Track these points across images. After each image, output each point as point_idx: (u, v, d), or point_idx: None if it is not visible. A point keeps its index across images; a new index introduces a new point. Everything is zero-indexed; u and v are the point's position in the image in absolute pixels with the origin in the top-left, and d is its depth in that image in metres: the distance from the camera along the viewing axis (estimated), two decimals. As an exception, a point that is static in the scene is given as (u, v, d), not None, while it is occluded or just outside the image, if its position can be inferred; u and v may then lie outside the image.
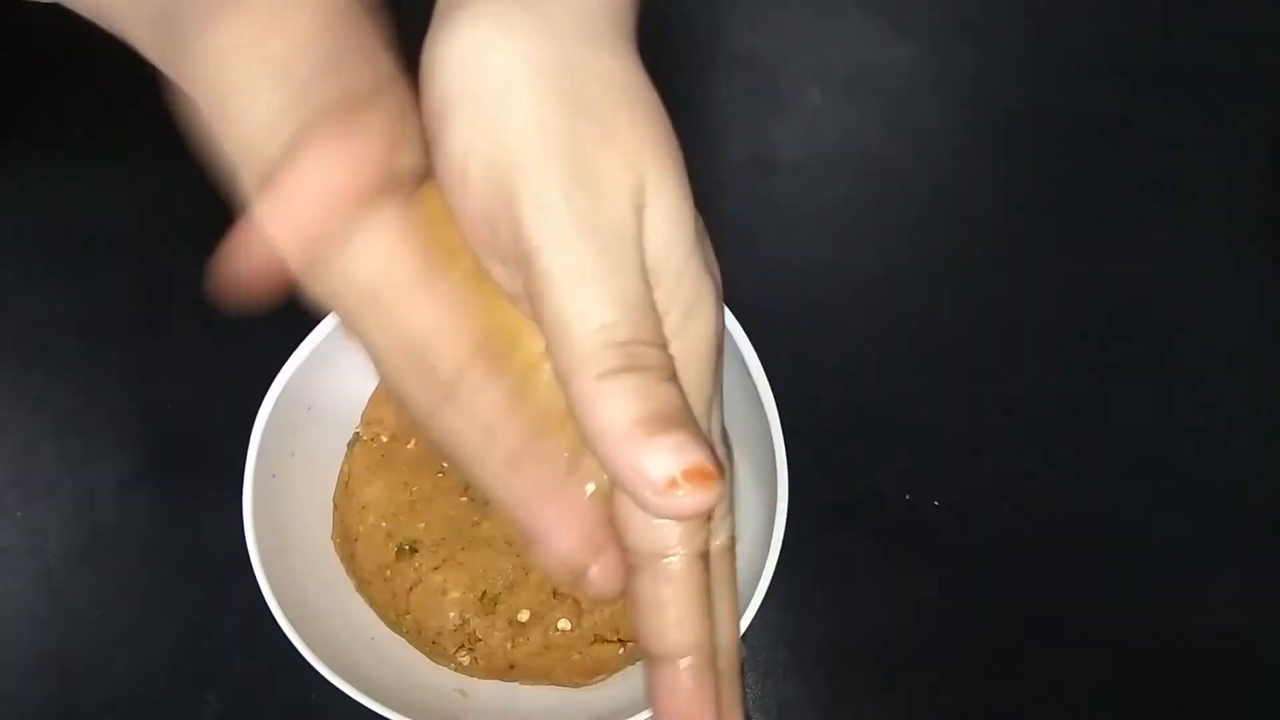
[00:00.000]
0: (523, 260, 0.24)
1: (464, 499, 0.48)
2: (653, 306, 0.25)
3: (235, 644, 0.50)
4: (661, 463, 0.23)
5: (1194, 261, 0.56)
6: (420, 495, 0.48)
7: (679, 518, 0.24)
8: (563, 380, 0.24)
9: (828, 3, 0.60)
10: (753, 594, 0.43)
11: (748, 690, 0.50)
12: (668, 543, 0.25)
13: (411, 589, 0.47)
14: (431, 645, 0.47)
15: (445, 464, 0.49)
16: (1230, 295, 0.55)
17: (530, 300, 0.24)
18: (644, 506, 0.23)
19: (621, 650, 0.47)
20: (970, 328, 0.54)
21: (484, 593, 0.47)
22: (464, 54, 0.24)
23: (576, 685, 0.47)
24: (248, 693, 0.50)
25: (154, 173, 0.53)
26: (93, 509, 0.52)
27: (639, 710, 0.43)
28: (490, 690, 0.47)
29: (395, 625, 0.47)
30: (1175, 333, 0.55)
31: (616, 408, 0.23)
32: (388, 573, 0.47)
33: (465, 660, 0.47)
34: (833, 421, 0.51)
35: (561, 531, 0.24)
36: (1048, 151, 0.58)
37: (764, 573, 0.42)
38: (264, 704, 0.50)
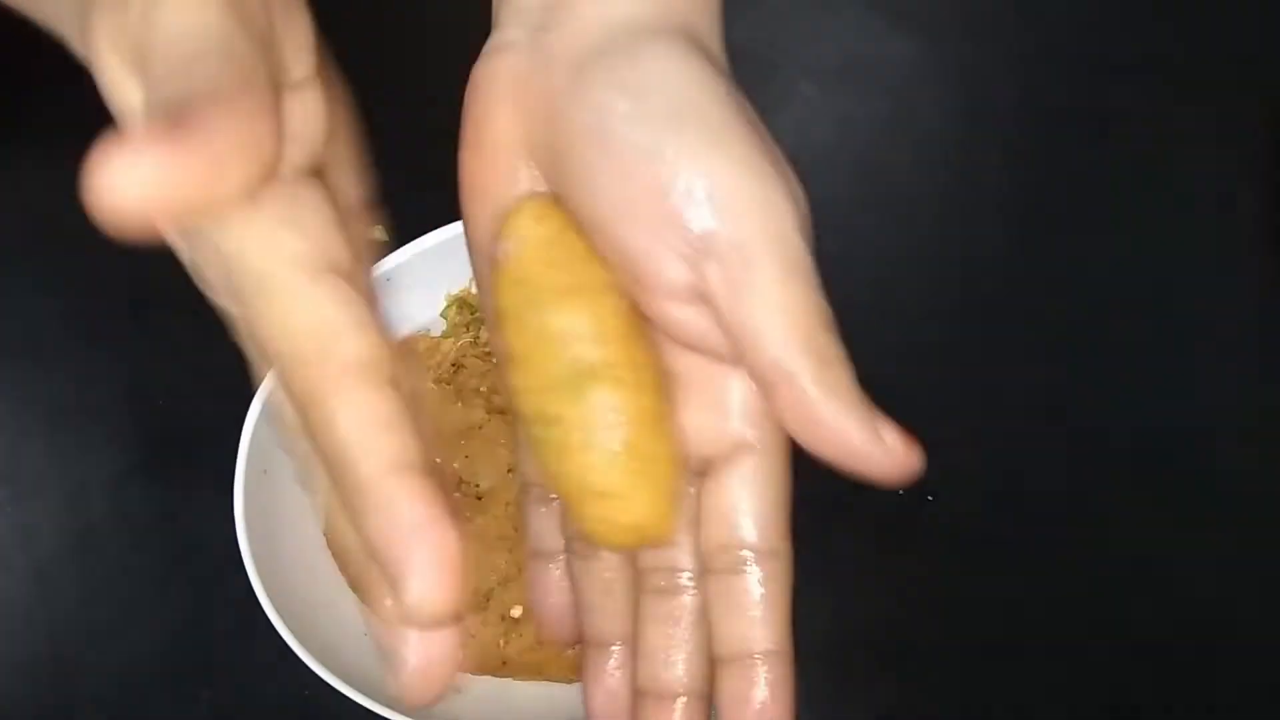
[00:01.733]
0: (743, 264, 0.24)
1: (456, 494, 0.48)
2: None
3: (227, 640, 0.50)
4: (891, 435, 0.25)
5: (1191, 257, 0.55)
6: (413, 491, 0.48)
7: (902, 475, 0.26)
8: (772, 366, 0.24)
9: (822, -4, 0.60)
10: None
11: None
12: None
13: (404, 585, 0.47)
14: (424, 641, 0.47)
15: (437, 460, 0.48)
16: (1227, 292, 0.55)
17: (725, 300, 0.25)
18: (865, 470, 0.25)
19: (615, 646, 0.47)
20: (964, 323, 0.54)
21: (476, 589, 0.47)
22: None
23: (569, 681, 0.47)
24: (240, 688, 0.50)
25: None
26: (84, 505, 0.52)
27: (632, 706, 0.43)
28: (483, 686, 0.47)
29: (388, 621, 0.47)
30: (1172, 329, 0.54)
31: (842, 385, 0.25)
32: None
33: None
34: (826, 416, 0.51)
35: (422, 571, 0.21)
36: (1043, 146, 0.58)
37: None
38: (257, 699, 0.50)
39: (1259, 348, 0.54)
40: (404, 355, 0.23)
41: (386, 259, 0.45)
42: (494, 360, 0.50)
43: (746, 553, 0.27)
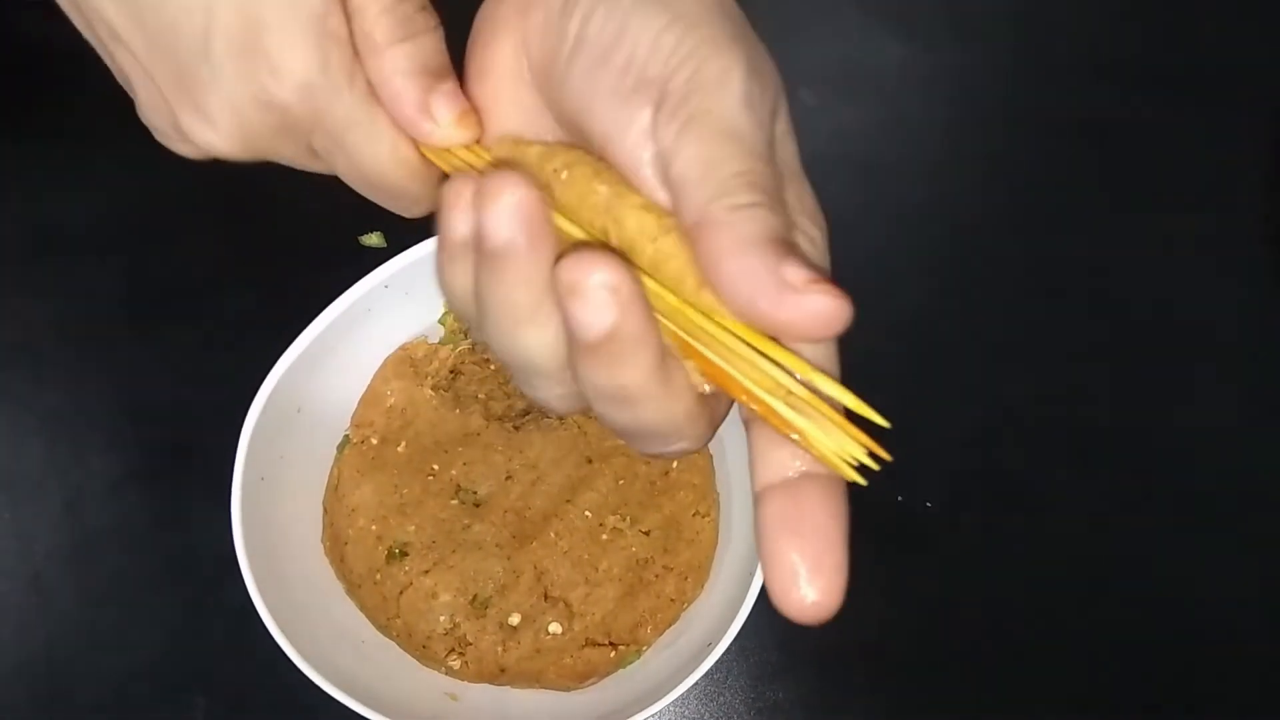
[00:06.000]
0: (687, 118, 0.24)
1: (454, 501, 0.48)
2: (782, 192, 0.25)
3: (224, 647, 0.50)
4: (795, 271, 0.23)
5: (1188, 260, 0.56)
6: (410, 498, 0.48)
7: (810, 322, 0.23)
8: (694, 213, 0.24)
9: (819, 3, 0.60)
10: (744, 597, 0.43)
11: (740, 692, 0.50)
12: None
13: (401, 592, 0.47)
14: (422, 649, 0.47)
15: (435, 467, 0.49)
16: (1225, 294, 0.55)
17: (672, 159, 0.24)
18: (771, 315, 0.23)
19: (613, 653, 0.47)
20: (962, 328, 0.54)
21: (474, 596, 0.47)
22: None
23: (568, 689, 0.47)
24: (236, 695, 0.49)
25: (141, 175, 0.52)
26: (81, 511, 0.51)
27: (630, 714, 0.43)
28: (481, 694, 0.47)
29: (385, 629, 0.47)
30: (1170, 332, 0.54)
31: (752, 227, 0.23)
32: (378, 576, 0.47)
33: (455, 664, 0.47)
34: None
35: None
36: (1040, 152, 0.58)
37: (755, 575, 0.42)
38: (252, 707, 0.49)
39: (1259, 348, 0.54)
40: None
41: (384, 266, 0.45)
42: (492, 367, 0.50)
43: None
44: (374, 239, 0.53)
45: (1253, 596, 0.51)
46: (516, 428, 0.49)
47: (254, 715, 0.49)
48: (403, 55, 0.27)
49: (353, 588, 0.47)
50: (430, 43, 0.28)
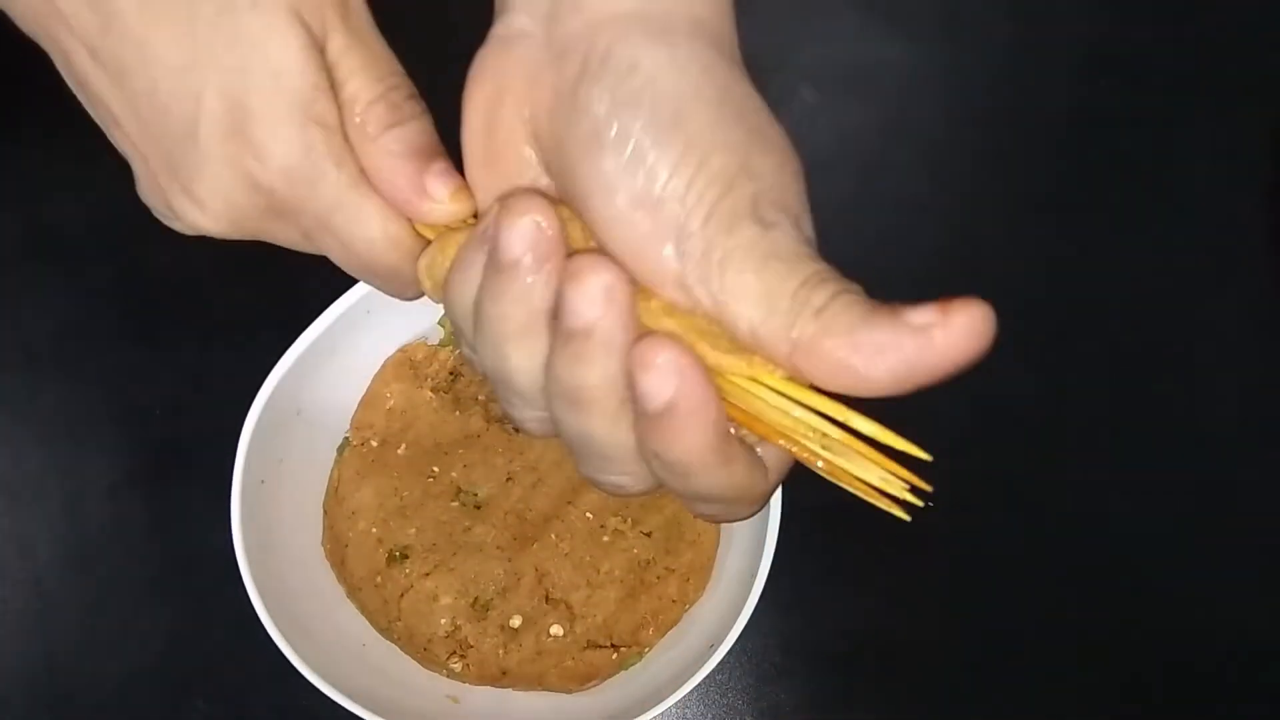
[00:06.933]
0: (719, 262, 0.24)
1: (455, 503, 0.48)
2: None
3: (224, 651, 0.50)
4: (919, 314, 0.24)
5: (1190, 259, 0.55)
6: (410, 500, 0.48)
7: (971, 342, 0.24)
8: (783, 346, 0.24)
9: (820, 1, 0.60)
10: (746, 598, 0.43)
11: (742, 694, 0.50)
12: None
13: (402, 595, 0.47)
14: (423, 652, 0.47)
15: (436, 469, 0.48)
16: (1227, 293, 0.55)
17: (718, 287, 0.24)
18: (938, 371, 0.24)
19: (614, 656, 0.47)
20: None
21: (475, 599, 0.46)
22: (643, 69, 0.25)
23: (569, 691, 0.46)
24: (237, 699, 0.49)
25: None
26: (81, 515, 0.51)
27: (632, 716, 0.43)
28: (482, 697, 0.47)
29: (386, 632, 0.47)
30: (1171, 331, 0.54)
31: (849, 317, 0.23)
32: (378, 579, 0.47)
33: (457, 667, 0.46)
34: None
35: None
36: (1042, 150, 0.58)
37: (758, 576, 0.42)
38: (253, 711, 0.49)
39: (1259, 348, 0.54)
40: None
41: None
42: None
43: None
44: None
45: (1253, 597, 0.51)
46: (517, 429, 0.49)
47: (254, 718, 0.49)
48: (394, 140, 0.28)
49: (353, 590, 0.47)
50: (420, 126, 0.29)
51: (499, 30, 0.28)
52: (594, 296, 0.24)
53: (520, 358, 0.26)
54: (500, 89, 0.27)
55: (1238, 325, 0.54)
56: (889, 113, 0.58)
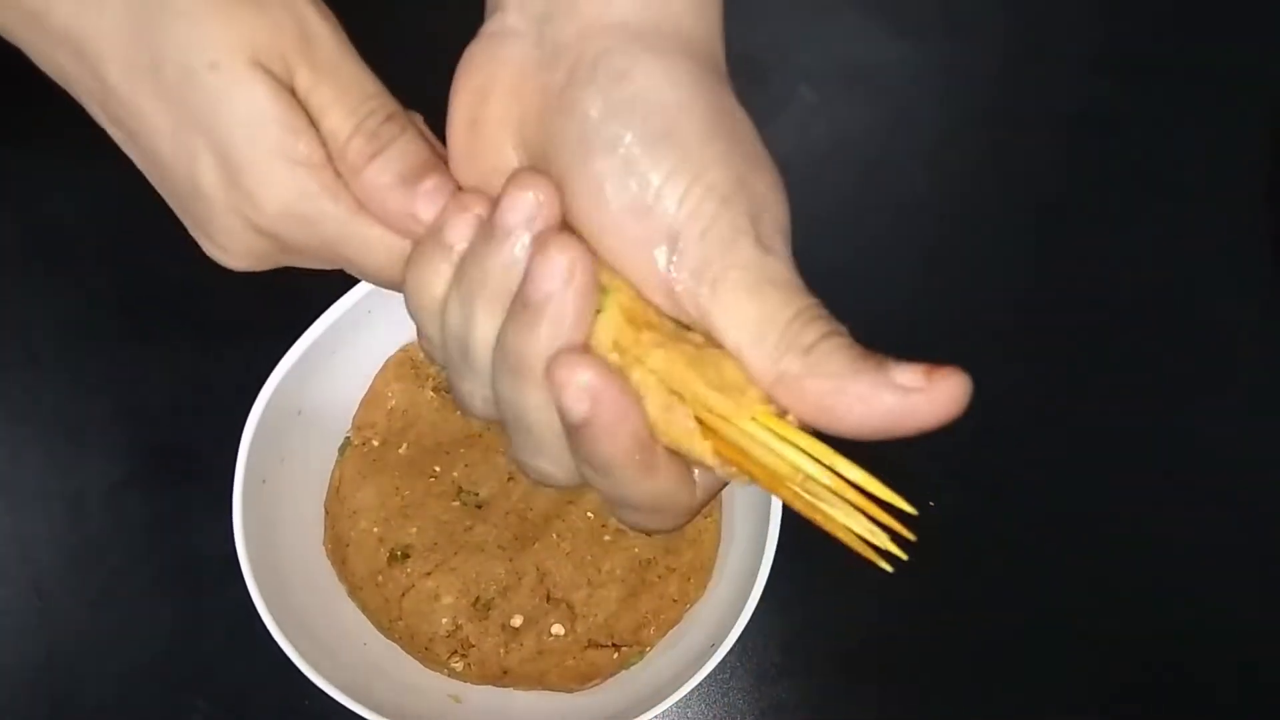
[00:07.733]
0: (713, 280, 0.25)
1: (456, 503, 0.48)
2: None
3: (225, 650, 0.49)
4: (904, 373, 0.23)
5: (1190, 258, 0.55)
6: (412, 500, 0.48)
7: (947, 408, 0.24)
8: (769, 373, 0.24)
9: (819, 1, 0.60)
10: (747, 597, 0.43)
11: (743, 693, 0.50)
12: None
13: (404, 595, 0.47)
14: (424, 651, 0.47)
15: (437, 469, 0.48)
16: (1227, 292, 0.55)
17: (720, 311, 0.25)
18: (911, 428, 0.24)
19: (615, 655, 0.47)
20: (963, 326, 0.54)
21: (477, 598, 0.46)
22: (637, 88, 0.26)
23: (570, 690, 0.46)
24: (238, 699, 0.49)
25: (141, 176, 0.52)
26: (82, 515, 0.51)
27: (633, 715, 0.43)
28: (483, 696, 0.47)
29: (387, 631, 0.47)
30: (1171, 330, 0.54)
31: (838, 359, 0.24)
32: (380, 578, 0.47)
33: (458, 666, 0.46)
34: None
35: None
36: (1042, 149, 0.58)
37: (758, 575, 0.42)
38: (254, 710, 0.49)
39: (1259, 348, 0.54)
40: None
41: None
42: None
43: None
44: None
45: (1254, 596, 0.51)
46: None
47: (255, 717, 0.49)
48: (378, 171, 0.28)
49: (355, 590, 0.47)
50: (402, 148, 0.29)
51: (490, 27, 0.28)
52: (555, 272, 0.24)
53: (487, 326, 0.26)
54: (487, 86, 0.28)
55: (1238, 325, 0.55)
56: (889, 113, 0.58)
